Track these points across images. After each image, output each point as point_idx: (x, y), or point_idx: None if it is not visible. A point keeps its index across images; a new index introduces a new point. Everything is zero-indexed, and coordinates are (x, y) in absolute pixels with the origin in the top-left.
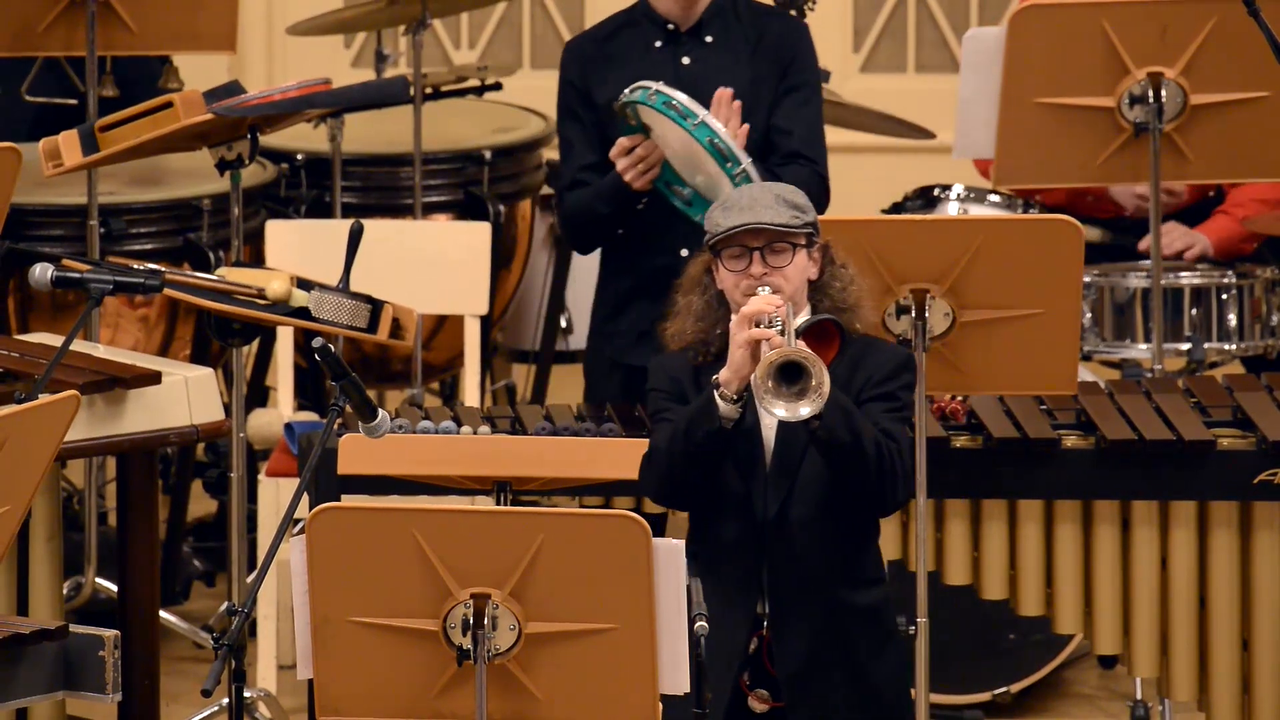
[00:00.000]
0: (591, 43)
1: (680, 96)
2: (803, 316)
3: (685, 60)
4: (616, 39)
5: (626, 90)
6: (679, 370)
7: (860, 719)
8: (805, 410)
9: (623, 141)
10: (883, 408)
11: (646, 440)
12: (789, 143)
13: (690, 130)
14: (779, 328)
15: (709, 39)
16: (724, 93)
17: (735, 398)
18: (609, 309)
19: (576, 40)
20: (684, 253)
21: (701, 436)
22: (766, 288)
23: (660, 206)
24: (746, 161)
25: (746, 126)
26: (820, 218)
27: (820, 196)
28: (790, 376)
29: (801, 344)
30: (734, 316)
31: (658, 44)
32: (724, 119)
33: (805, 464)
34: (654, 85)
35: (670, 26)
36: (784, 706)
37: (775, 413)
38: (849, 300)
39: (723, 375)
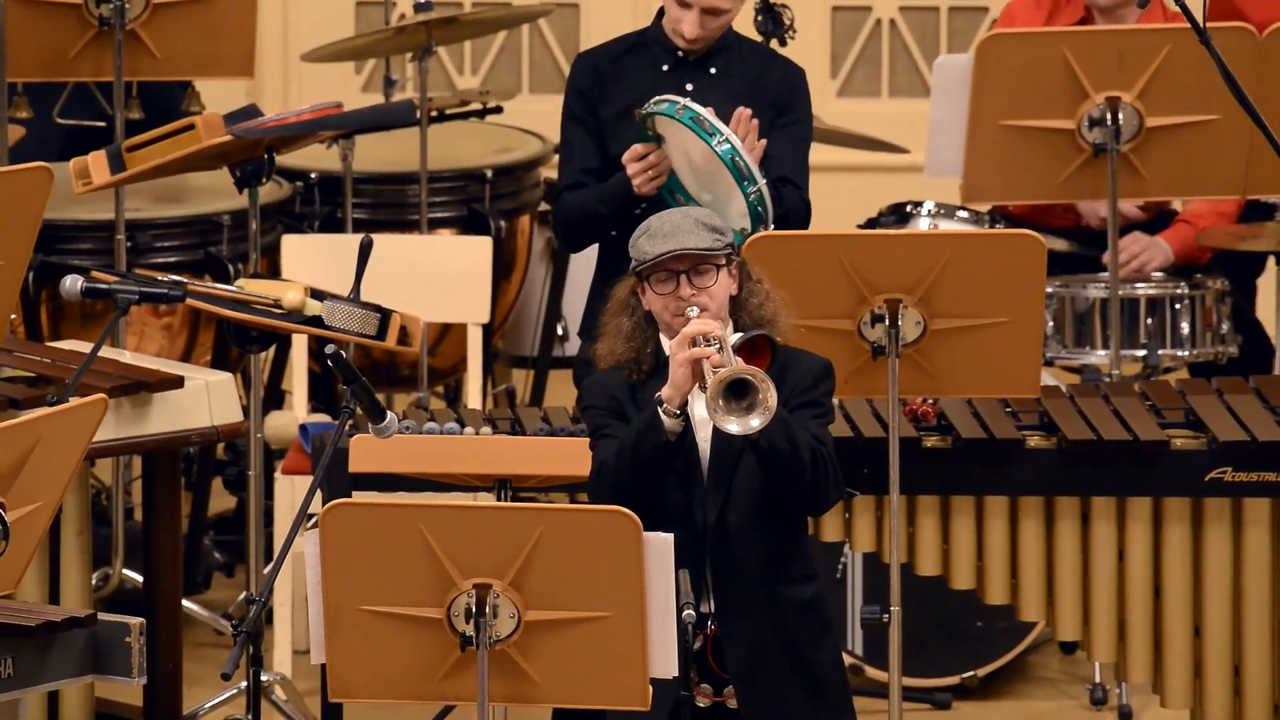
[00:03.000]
0: (604, 58)
1: (706, 113)
2: (734, 334)
3: (689, 86)
4: (627, 58)
5: (652, 100)
6: (616, 389)
7: (806, 706)
8: (756, 423)
9: (637, 148)
10: (809, 414)
11: None
12: (781, 169)
13: (714, 146)
14: (717, 346)
15: (713, 70)
16: (743, 111)
17: (678, 412)
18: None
19: (590, 53)
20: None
21: (649, 450)
22: (694, 308)
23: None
24: (762, 182)
25: (764, 143)
26: (801, 232)
27: (805, 217)
28: (739, 393)
29: (741, 360)
30: (666, 338)
31: (665, 68)
32: (742, 135)
33: (739, 472)
34: (681, 100)
35: (679, 54)
36: (729, 700)
37: (729, 428)
38: (766, 314)
39: (665, 392)
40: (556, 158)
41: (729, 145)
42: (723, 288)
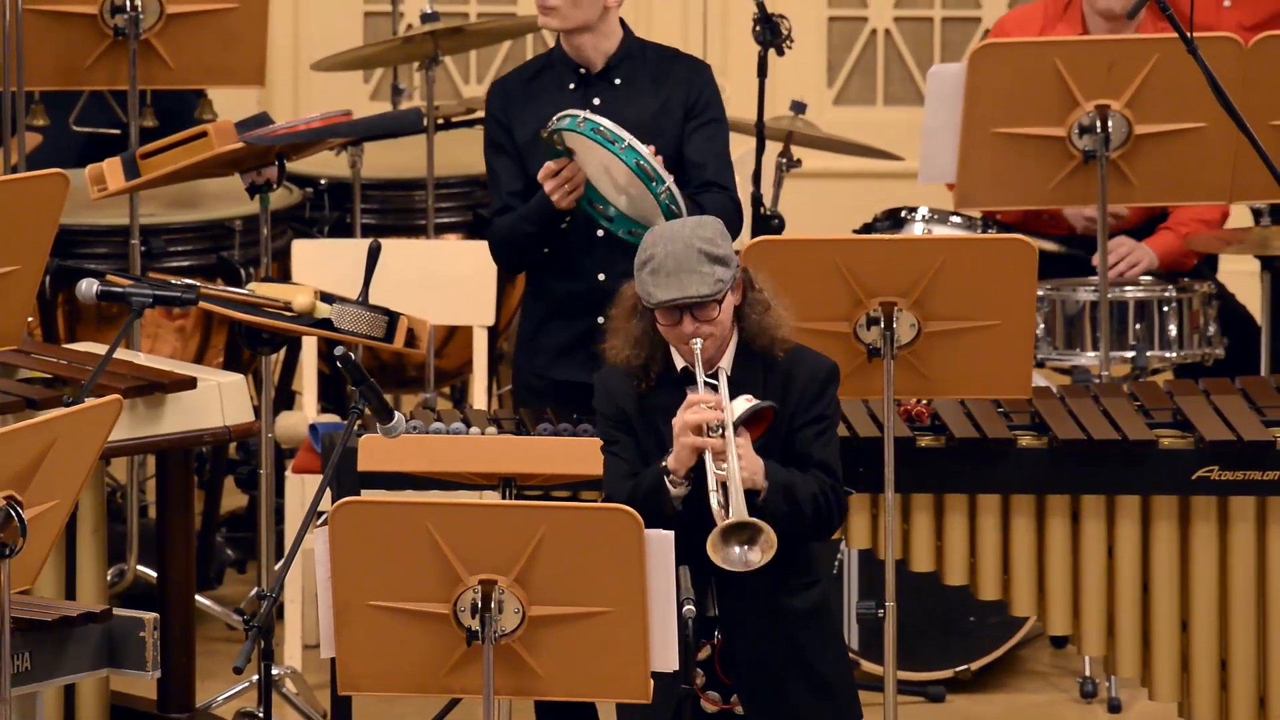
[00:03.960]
0: (515, 82)
1: (606, 122)
2: (739, 403)
3: (596, 100)
4: (538, 80)
5: (554, 118)
6: (623, 398)
7: (811, 710)
8: (756, 559)
9: (549, 165)
10: (814, 432)
11: None
12: (703, 174)
13: (617, 153)
14: (719, 432)
15: (617, 80)
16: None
17: (683, 480)
18: (532, 328)
19: (502, 80)
20: (600, 277)
21: (656, 511)
22: (699, 340)
23: (578, 236)
24: (669, 180)
25: (654, 147)
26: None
27: (735, 217)
28: (741, 530)
29: (746, 449)
30: (675, 356)
31: (571, 86)
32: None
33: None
34: (581, 113)
35: (582, 70)
36: (736, 708)
37: (729, 566)
38: (767, 323)
39: (670, 463)
40: (486, 170)
41: (631, 149)
42: (726, 312)
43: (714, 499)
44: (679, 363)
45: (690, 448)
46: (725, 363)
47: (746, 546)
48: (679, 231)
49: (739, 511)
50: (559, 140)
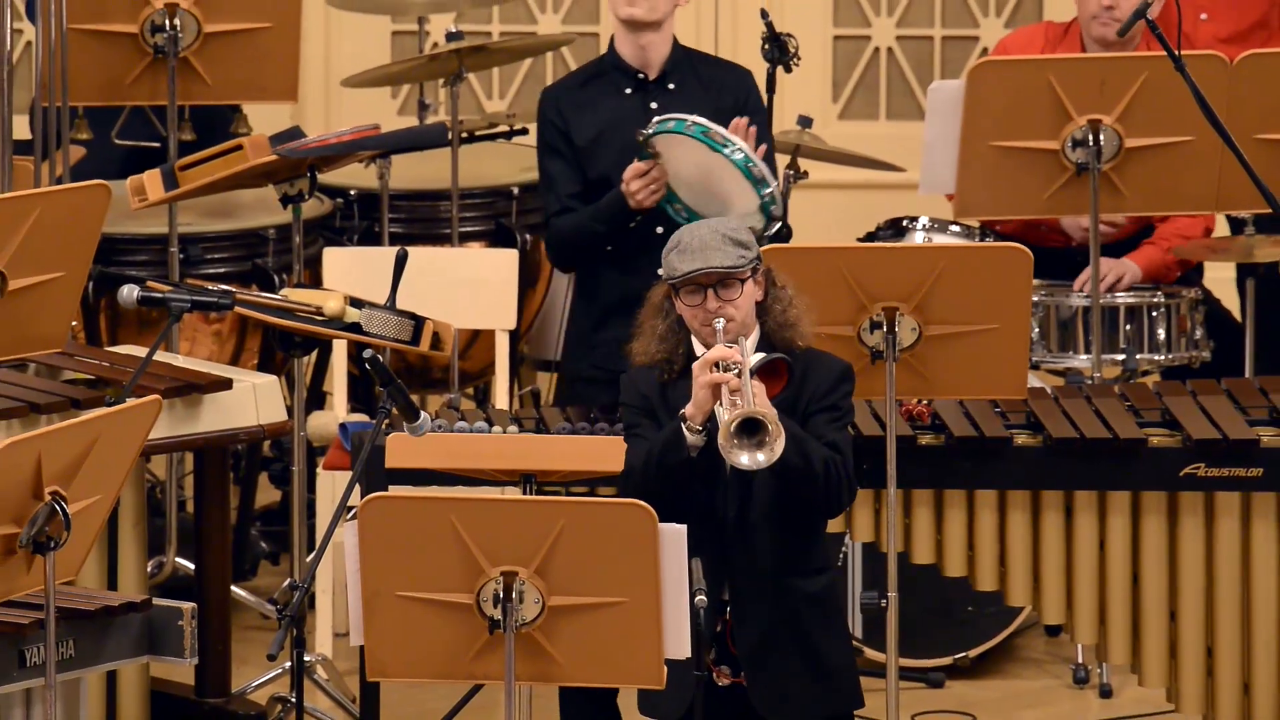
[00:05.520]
0: (567, 89)
1: (716, 127)
2: (756, 355)
3: (653, 105)
4: (590, 86)
5: (656, 120)
6: (648, 388)
7: (811, 690)
8: (763, 458)
9: (639, 165)
10: (826, 419)
11: None
12: None
13: (728, 156)
14: (736, 371)
15: (671, 86)
16: (740, 121)
17: (700, 429)
18: (589, 325)
19: (553, 89)
20: (660, 273)
21: (673, 463)
22: (721, 319)
23: (637, 234)
24: (774, 184)
25: (764, 147)
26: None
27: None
28: (750, 430)
29: (761, 394)
30: (696, 347)
31: (627, 90)
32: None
33: (760, 472)
34: (689, 117)
35: (640, 76)
36: (744, 683)
37: (739, 461)
38: (789, 318)
39: (688, 410)
40: (540, 173)
41: (742, 154)
42: (748, 298)
43: (725, 408)
44: (700, 351)
45: (708, 384)
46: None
47: (756, 449)
48: (705, 223)
49: (750, 406)
50: (651, 144)
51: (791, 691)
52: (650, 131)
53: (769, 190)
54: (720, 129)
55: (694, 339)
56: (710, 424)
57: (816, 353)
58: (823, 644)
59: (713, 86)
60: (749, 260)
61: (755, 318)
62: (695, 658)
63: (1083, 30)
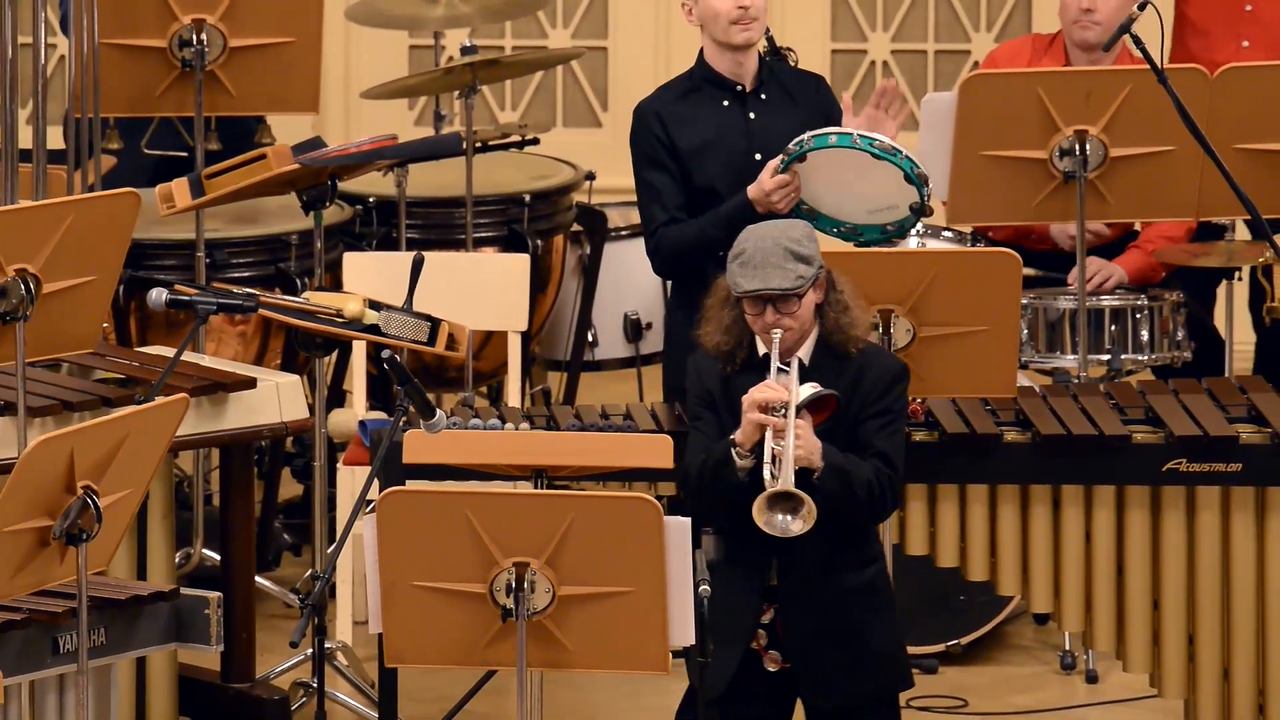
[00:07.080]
0: (665, 104)
1: (882, 137)
2: (806, 388)
3: (751, 115)
4: (688, 100)
5: (810, 134)
6: (711, 381)
7: (859, 681)
8: (796, 528)
9: (783, 177)
10: (878, 424)
11: (660, 436)
12: None
13: (897, 163)
14: (782, 413)
15: (764, 96)
16: (888, 84)
17: (749, 453)
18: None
19: (650, 103)
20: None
21: (725, 481)
22: (779, 330)
23: None
24: (931, 184)
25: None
26: None
27: None
28: (786, 499)
29: (806, 430)
30: (758, 344)
31: (725, 103)
32: (888, 105)
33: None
34: (852, 131)
35: (739, 88)
36: (792, 669)
37: (771, 531)
38: (846, 321)
39: (737, 436)
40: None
41: (909, 160)
42: (807, 307)
43: (767, 470)
44: (762, 349)
45: (754, 423)
46: (804, 353)
47: (789, 515)
48: (770, 230)
49: (786, 482)
50: (805, 156)
51: (839, 678)
52: (810, 147)
53: (928, 190)
54: (885, 139)
55: (757, 336)
56: (758, 448)
57: (873, 352)
58: (872, 634)
59: (796, 95)
60: (808, 280)
61: (815, 318)
62: (698, 644)
63: (1065, 35)
